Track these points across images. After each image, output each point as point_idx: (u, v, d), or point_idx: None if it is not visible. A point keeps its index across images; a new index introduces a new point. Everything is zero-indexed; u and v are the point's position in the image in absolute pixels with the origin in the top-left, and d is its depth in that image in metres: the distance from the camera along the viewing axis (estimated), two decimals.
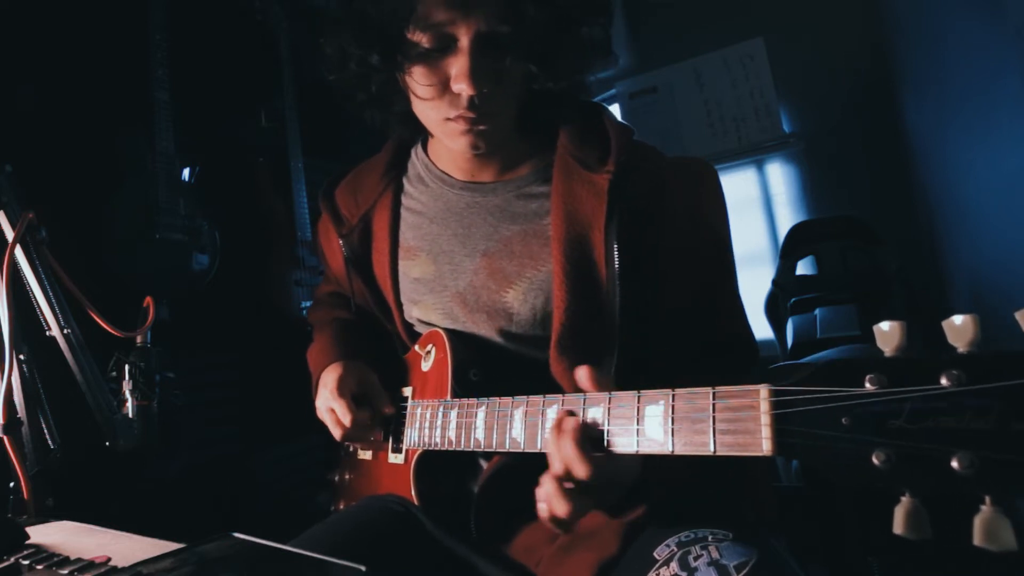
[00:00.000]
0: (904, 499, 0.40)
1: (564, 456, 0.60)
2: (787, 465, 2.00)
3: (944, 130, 2.02)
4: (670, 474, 0.69)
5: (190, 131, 1.70)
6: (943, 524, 0.43)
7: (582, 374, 0.63)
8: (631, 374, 0.76)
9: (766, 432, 0.47)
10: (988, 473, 0.36)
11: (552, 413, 0.66)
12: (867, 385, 0.41)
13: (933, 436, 0.38)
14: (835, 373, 0.43)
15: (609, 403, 0.60)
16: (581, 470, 0.59)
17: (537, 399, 0.68)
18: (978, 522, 0.37)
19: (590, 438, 0.60)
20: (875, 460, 0.40)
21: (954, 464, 0.37)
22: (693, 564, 0.62)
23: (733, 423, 0.49)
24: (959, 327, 0.38)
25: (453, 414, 0.79)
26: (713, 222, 0.84)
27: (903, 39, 2.29)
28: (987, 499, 0.37)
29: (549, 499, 0.62)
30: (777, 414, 0.46)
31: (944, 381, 0.38)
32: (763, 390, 0.48)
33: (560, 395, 0.66)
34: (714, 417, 0.51)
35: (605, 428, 0.60)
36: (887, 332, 0.42)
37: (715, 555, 0.62)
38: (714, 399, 0.51)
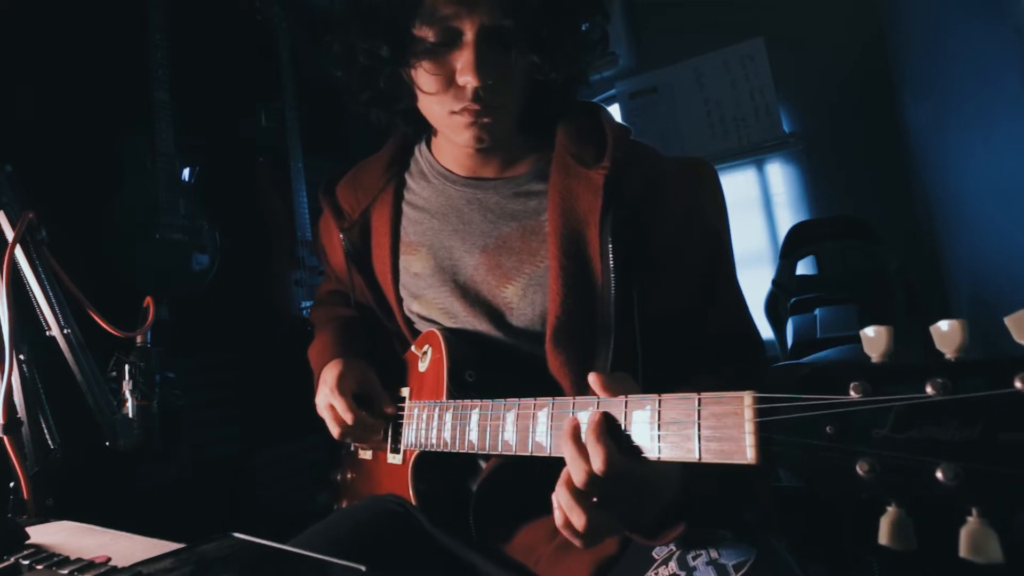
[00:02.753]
0: (890, 509, 0.39)
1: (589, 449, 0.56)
2: None
3: (944, 130, 2.02)
4: (704, 491, 0.65)
5: (190, 131, 1.70)
6: (933, 535, 0.42)
7: (592, 380, 0.61)
8: (627, 370, 0.76)
9: (750, 440, 0.46)
10: (973, 485, 0.35)
11: (543, 416, 0.65)
12: (852, 393, 0.40)
13: (917, 446, 0.37)
14: (820, 380, 0.42)
15: (598, 407, 0.60)
16: (598, 461, 0.56)
17: (528, 402, 0.68)
18: (964, 534, 0.36)
19: (609, 431, 0.58)
20: (859, 470, 0.39)
21: (939, 475, 0.36)
22: (692, 563, 0.62)
23: (718, 430, 0.49)
24: (946, 333, 0.37)
25: (448, 416, 0.79)
26: (712, 221, 0.84)
27: (903, 39, 2.29)
28: (974, 511, 0.36)
29: (565, 509, 0.59)
30: (761, 422, 0.46)
31: (929, 389, 0.37)
32: (747, 397, 0.47)
33: (550, 399, 0.66)
34: (699, 424, 0.50)
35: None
36: (873, 338, 0.41)
37: (714, 555, 0.62)
38: (699, 405, 0.51)
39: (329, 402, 0.91)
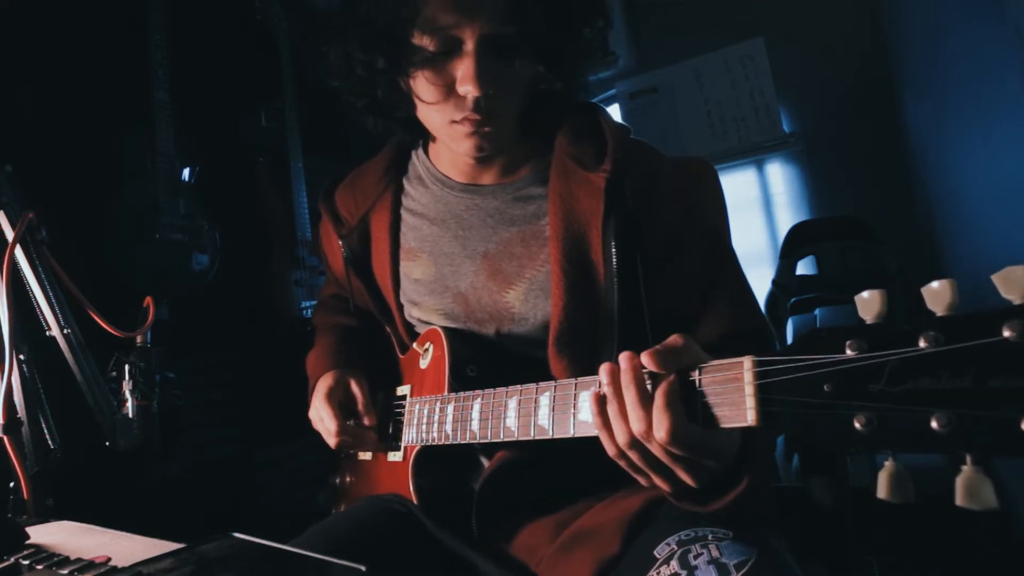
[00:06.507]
0: (887, 463, 0.41)
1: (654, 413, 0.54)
2: (787, 465, 2.00)
3: (944, 130, 2.02)
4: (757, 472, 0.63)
5: (190, 131, 1.70)
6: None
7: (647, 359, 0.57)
8: None
9: (750, 403, 0.47)
10: (966, 431, 0.36)
11: (545, 400, 0.66)
12: (848, 351, 0.41)
13: (912, 397, 0.38)
14: (817, 341, 0.44)
15: (600, 387, 0.60)
16: (663, 428, 0.53)
17: (531, 387, 0.69)
18: (959, 483, 0.37)
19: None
20: (857, 424, 0.41)
21: (933, 424, 0.37)
22: (693, 562, 0.62)
23: (719, 395, 0.50)
24: (937, 291, 0.38)
25: (450, 408, 0.80)
26: (712, 220, 0.84)
27: (903, 39, 2.28)
28: (968, 459, 0.37)
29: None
30: (761, 384, 0.47)
31: (922, 343, 0.38)
32: (747, 361, 0.48)
33: (552, 382, 0.66)
34: (701, 391, 0.52)
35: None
36: (867, 300, 0.42)
37: (715, 554, 0.62)
38: (700, 374, 0.52)
39: (320, 414, 0.93)
